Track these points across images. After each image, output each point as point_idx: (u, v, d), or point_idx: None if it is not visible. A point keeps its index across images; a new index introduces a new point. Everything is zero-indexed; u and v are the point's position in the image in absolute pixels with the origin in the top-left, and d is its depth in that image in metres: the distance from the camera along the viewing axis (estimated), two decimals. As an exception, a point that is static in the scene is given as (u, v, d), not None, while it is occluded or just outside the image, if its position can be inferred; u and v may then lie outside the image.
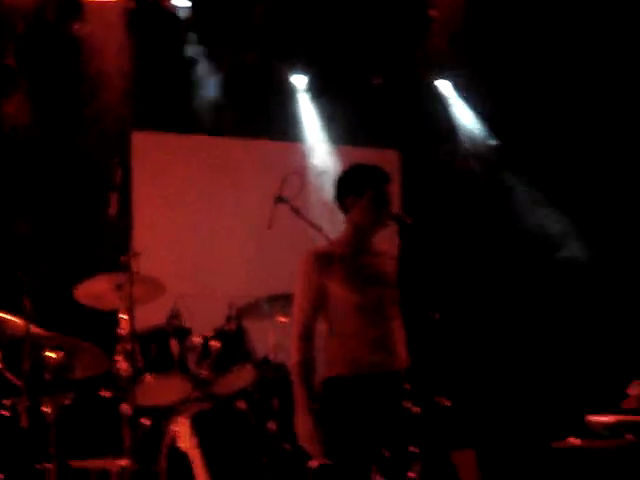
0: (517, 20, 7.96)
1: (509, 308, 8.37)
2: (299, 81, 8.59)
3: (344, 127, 8.60)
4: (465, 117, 8.84)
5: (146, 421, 5.92)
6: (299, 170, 6.38)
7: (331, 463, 4.49)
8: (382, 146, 8.60)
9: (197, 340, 6.12)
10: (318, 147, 8.54)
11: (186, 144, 8.27)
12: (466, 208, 8.68)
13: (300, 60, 8.39)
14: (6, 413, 5.41)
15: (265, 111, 8.31)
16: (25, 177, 7.38)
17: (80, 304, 5.95)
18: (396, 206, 4.87)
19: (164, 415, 5.91)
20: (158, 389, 5.90)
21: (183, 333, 6.09)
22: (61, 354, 5.39)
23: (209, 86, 8.04)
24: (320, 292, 4.48)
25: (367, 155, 7.48)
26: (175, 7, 7.78)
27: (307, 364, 4.43)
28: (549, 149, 8.34)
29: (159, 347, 5.96)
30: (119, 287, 5.73)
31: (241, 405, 6.11)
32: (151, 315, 6.10)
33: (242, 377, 6.11)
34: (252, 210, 7.84)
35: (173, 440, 5.65)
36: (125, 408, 5.49)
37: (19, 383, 5.27)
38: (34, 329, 5.36)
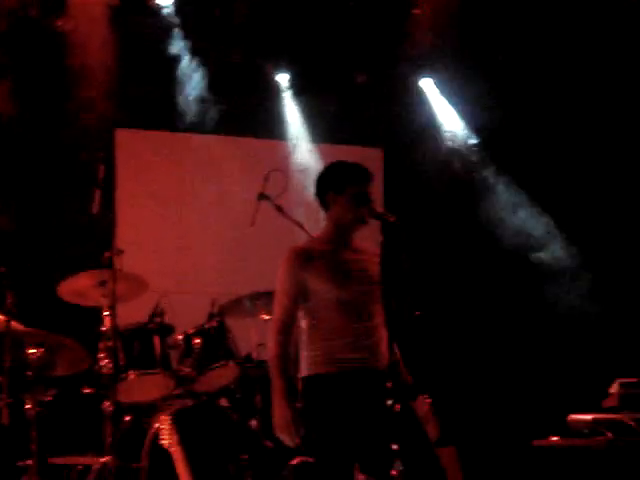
0: (500, 19, 7.98)
1: (491, 306, 8.40)
2: (283, 79, 8.58)
3: (328, 125, 8.62)
4: (448, 115, 8.86)
5: (128, 418, 5.92)
6: (282, 168, 6.40)
7: (313, 461, 4.51)
8: (365, 144, 8.61)
9: (179, 338, 6.13)
10: (301, 145, 8.54)
11: (170, 141, 8.26)
12: (448, 206, 8.70)
13: (284, 58, 8.39)
14: (-13, 410, 5.40)
15: (249, 109, 8.32)
16: (8, 173, 7.36)
17: (63, 301, 5.93)
18: (379, 204, 4.88)
19: (146, 412, 5.91)
20: (140, 386, 5.90)
21: (166, 330, 6.10)
22: (42, 351, 5.38)
23: (193, 83, 8.04)
24: (301, 288, 4.49)
25: (350, 153, 7.48)
26: (159, 5, 7.77)
27: (285, 357, 4.45)
28: (531, 149, 8.37)
29: (141, 344, 5.96)
30: (102, 284, 5.73)
31: (223, 402, 6.12)
32: (134, 312, 6.10)
33: (224, 375, 6.12)
34: (235, 207, 7.84)
35: (155, 437, 5.65)
36: (107, 405, 5.49)
37: (0, 380, 5.26)
38: (15, 325, 5.35)
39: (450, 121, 8.85)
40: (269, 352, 4.55)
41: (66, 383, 5.80)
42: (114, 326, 5.58)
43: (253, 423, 5.99)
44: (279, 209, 6.26)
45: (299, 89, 8.58)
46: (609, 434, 5.54)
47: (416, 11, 8.03)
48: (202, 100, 8.04)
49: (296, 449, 4.57)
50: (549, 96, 8.21)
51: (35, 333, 5.43)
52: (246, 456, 5.75)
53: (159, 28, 7.82)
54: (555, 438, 5.82)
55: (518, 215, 8.45)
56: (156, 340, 5.99)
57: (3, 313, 5.33)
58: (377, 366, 4.44)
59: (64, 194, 7.49)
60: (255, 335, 6.37)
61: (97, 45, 7.45)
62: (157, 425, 5.69)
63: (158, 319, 6.08)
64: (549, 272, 8.34)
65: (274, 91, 8.56)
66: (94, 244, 6.18)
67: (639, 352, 7.27)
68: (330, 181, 4.63)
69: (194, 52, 8.00)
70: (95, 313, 5.79)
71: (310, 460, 4.68)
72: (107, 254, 5.62)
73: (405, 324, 4.57)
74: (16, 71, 7.35)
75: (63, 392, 5.79)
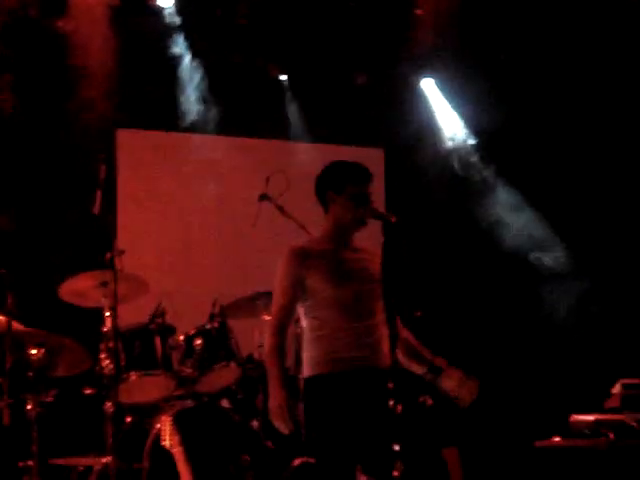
0: (501, 19, 7.98)
1: (493, 307, 8.39)
2: (284, 79, 8.58)
3: (328, 125, 8.61)
4: (448, 116, 8.85)
5: (129, 419, 5.92)
6: (283, 168, 6.39)
7: (315, 461, 4.50)
8: (366, 144, 8.61)
9: (181, 338, 6.12)
10: (303, 145, 8.53)
11: (171, 141, 8.25)
12: (449, 206, 8.70)
13: (285, 59, 8.39)
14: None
15: (249, 109, 8.31)
16: (9, 173, 7.36)
17: (64, 302, 5.92)
18: (380, 204, 4.87)
19: (147, 413, 5.91)
20: (141, 387, 5.89)
21: (167, 331, 6.09)
22: (43, 351, 5.37)
23: (194, 84, 8.03)
24: (300, 288, 4.48)
25: (352, 153, 7.46)
26: (160, 6, 7.76)
27: (281, 351, 4.45)
28: (531, 150, 8.36)
29: (143, 345, 5.95)
30: (103, 285, 5.72)
31: (225, 403, 6.11)
32: (135, 313, 6.09)
33: (226, 375, 6.11)
34: (236, 208, 7.84)
35: (156, 438, 5.64)
36: (108, 406, 5.49)
37: (1, 380, 5.25)
38: (16, 326, 5.34)
39: (451, 121, 8.84)
40: (265, 349, 4.57)
41: (67, 384, 5.80)
42: (115, 327, 5.57)
43: (254, 424, 5.99)
44: (280, 209, 6.26)
45: (299, 89, 8.58)
46: (611, 435, 5.54)
47: (417, 11, 8.03)
48: (203, 100, 8.04)
49: (296, 450, 4.57)
50: (550, 97, 8.21)
51: (36, 334, 5.42)
52: (247, 457, 5.75)
53: (160, 28, 7.82)
54: (557, 439, 5.81)
55: (518, 215, 8.44)
56: (157, 341, 5.98)
57: (4, 314, 5.33)
58: (379, 364, 4.44)
59: (64, 194, 7.48)
60: (257, 336, 6.36)
61: (98, 45, 7.44)
62: (158, 426, 5.68)
63: (159, 320, 6.07)
64: (550, 272, 8.34)
65: (275, 91, 8.55)
66: (95, 245, 6.17)
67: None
68: (330, 181, 4.62)
69: (195, 52, 8.00)
70: (96, 314, 5.79)
71: (311, 461, 4.67)
72: (108, 255, 5.62)
73: (407, 324, 4.56)
74: (16, 71, 7.35)
75: (64, 393, 5.78)
